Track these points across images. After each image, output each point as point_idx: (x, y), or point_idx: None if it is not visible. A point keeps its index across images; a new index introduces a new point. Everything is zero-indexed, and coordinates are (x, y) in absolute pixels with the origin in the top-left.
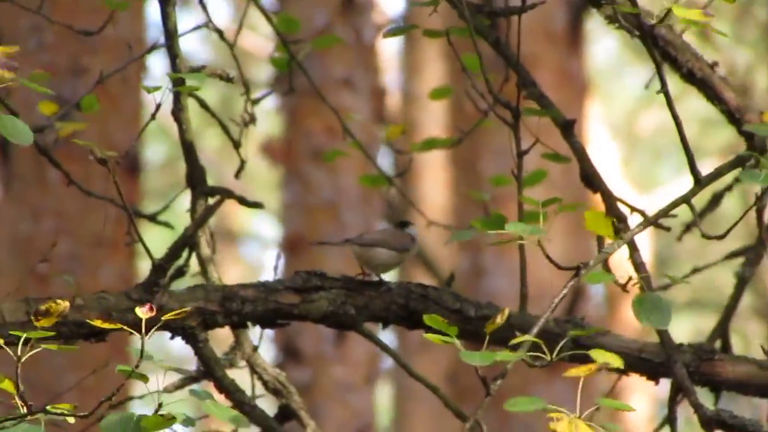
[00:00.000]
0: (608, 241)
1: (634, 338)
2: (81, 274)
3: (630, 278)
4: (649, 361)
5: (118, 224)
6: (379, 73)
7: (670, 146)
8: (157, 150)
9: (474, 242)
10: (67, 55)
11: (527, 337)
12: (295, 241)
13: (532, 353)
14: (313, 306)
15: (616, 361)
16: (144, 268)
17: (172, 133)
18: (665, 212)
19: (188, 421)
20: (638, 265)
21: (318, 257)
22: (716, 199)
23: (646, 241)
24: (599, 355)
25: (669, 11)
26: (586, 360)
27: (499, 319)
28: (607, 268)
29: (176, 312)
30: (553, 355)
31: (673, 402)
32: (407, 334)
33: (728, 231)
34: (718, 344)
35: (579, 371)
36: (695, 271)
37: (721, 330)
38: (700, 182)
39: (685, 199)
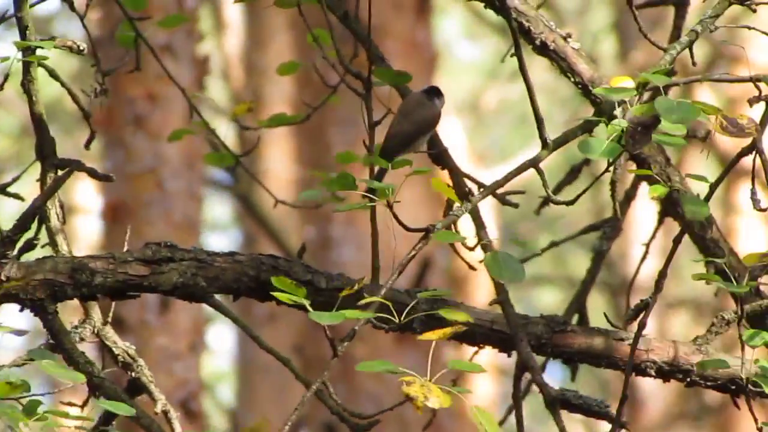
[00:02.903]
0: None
1: (486, 310)
2: None
3: (479, 240)
4: (501, 332)
5: None
6: (201, 40)
7: (513, 122)
8: None
9: (322, 213)
10: None
11: (376, 299)
12: (117, 208)
13: (381, 322)
14: (162, 278)
15: (464, 317)
16: None
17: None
18: (513, 175)
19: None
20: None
21: (141, 224)
22: (574, 172)
23: (492, 218)
24: (448, 314)
25: None
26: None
27: (357, 285)
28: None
29: (19, 279)
30: (402, 318)
31: (518, 380)
32: (253, 307)
33: (577, 197)
34: (575, 318)
35: (432, 335)
36: (553, 244)
37: (578, 303)
38: (548, 146)
39: (533, 163)
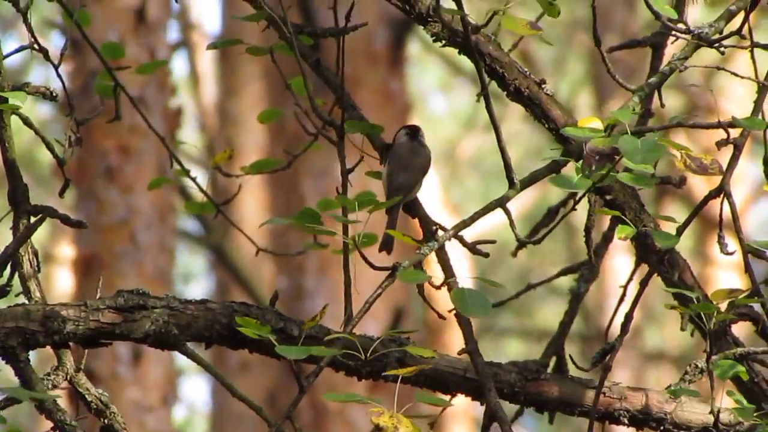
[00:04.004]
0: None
1: (459, 358)
2: None
3: (445, 280)
4: (474, 380)
5: None
6: (173, 92)
7: (489, 172)
8: None
9: (295, 263)
10: None
11: (341, 334)
12: (89, 260)
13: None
14: (135, 325)
15: (430, 353)
16: None
17: None
18: (480, 215)
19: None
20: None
21: (112, 276)
22: (550, 214)
23: (465, 270)
24: (415, 350)
25: (493, 15)
26: (412, 380)
27: (318, 317)
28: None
29: None
30: (368, 354)
31: (486, 430)
32: (226, 356)
33: (544, 236)
34: (553, 361)
35: (399, 371)
36: (530, 287)
37: (556, 346)
38: (515, 185)
39: (500, 203)
